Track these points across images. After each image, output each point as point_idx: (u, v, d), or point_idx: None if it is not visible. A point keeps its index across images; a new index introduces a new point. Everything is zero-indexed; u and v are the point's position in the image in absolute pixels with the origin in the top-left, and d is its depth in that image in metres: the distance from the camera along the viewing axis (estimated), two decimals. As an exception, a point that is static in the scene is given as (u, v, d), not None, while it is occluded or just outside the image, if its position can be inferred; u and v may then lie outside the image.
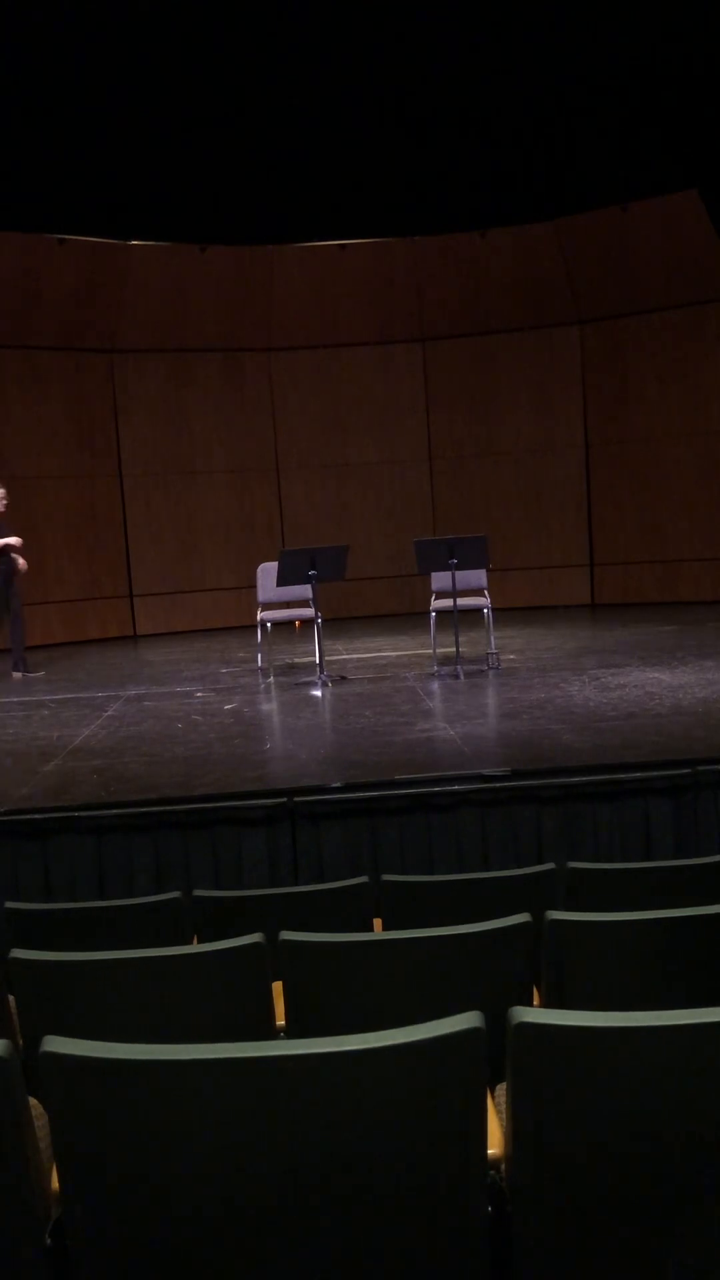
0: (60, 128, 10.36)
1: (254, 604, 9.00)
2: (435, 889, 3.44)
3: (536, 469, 12.80)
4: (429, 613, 8.53)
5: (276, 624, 9.01)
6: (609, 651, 8.82)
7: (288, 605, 9.08)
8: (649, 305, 12.15)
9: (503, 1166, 1.93)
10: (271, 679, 8.47)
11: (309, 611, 8.43)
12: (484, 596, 8.48)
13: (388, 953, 2.54)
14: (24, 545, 9.00)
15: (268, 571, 8.58)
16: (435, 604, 8.43)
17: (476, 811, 4.95)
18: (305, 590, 8.25)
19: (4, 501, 9.31)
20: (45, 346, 11.80)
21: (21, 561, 9.17)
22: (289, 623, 9.80)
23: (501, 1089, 2.09)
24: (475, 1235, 1.76)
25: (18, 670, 9.28)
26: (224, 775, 5.41)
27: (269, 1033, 2.57)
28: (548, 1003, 2.69)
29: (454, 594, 8.11)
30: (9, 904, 3.34)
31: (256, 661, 9.08)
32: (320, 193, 11.38)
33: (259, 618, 8.85)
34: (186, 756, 5.87)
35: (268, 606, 8.86)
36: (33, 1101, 2.01)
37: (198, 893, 3.50)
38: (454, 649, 8.18)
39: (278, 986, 2.64)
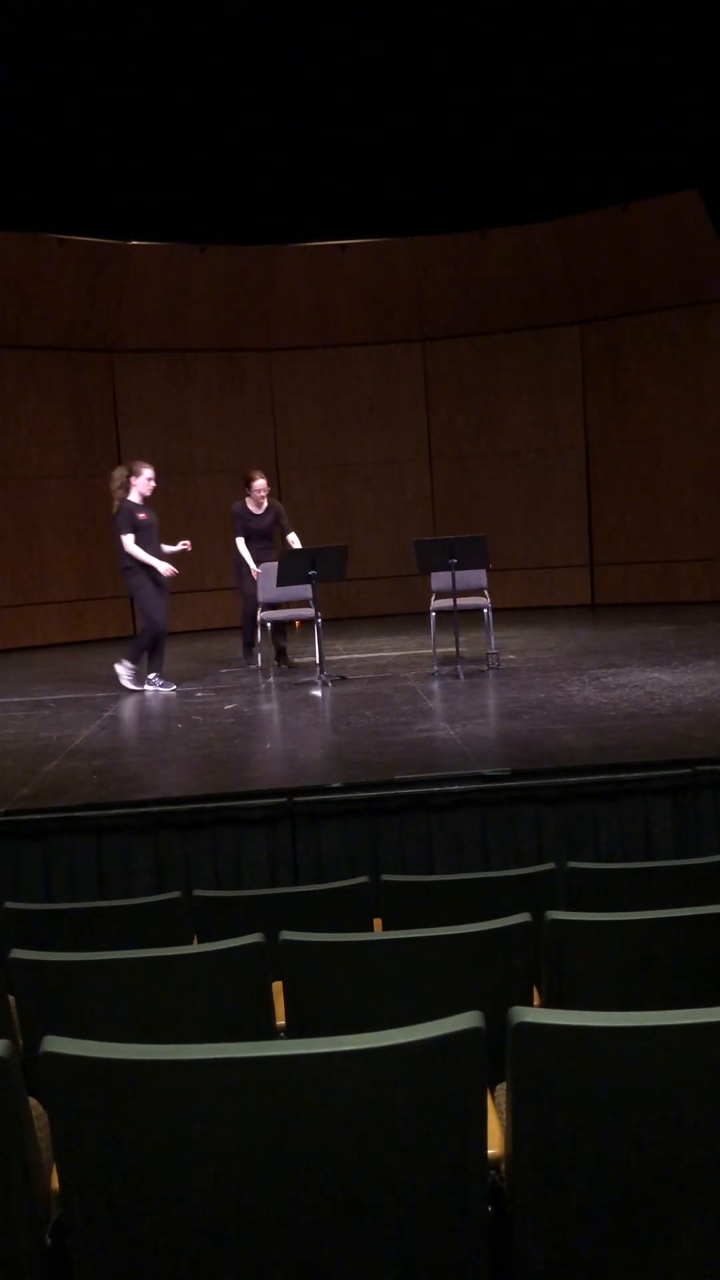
0: (60, 127, 10.36)
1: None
2: (435, 889, 3.44)
3: (536, 469, 12.79)
4: (429, 613, 8.53)
5: (276, 624, 9.01)
6: (609, 651, 8.81)
7: (288, 605, 9.08)
8: (649, 305, 12.15)
9: (503, 1166, 1.93)
10: (271, 679, 8.47)
11: (309, 611, 8.43)
12: (484, 596, 8.48)
13: (388, 953, 2.54)
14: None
15: (268, 571, 8.58)
16: (435, 604, 8.42)
17: (476, 811, 4.95)
18: (305, 590, 8.24)
19: (263, 493, 8.98)
20: (45, 346, 11.80)
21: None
22: (289, 622, 9.80)
23: (501, 1089, 2.09)
24: (475, 1235, 1.76)
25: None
26: (224, 775, 5.41)
27: (269, 1033, 2.56)
28: (548, 1003, 2.68)
29: (454, 594, 8.10)
30: (9, 904, 3.34)
31: (256, 661, 9.08)
32: (320, 193, 11.39)
33: (259, 617, 8.85)
34: (186, 756, 5.87)
35: (268, 606, 8.85)
36: (33, 1101, 2.01)
37: (198, 893, 3.51)
38: (454, 649, 8.18)
39: (278, 986, 2.64)
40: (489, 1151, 1.84)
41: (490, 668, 8.21)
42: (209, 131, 10.80)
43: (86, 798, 5.02)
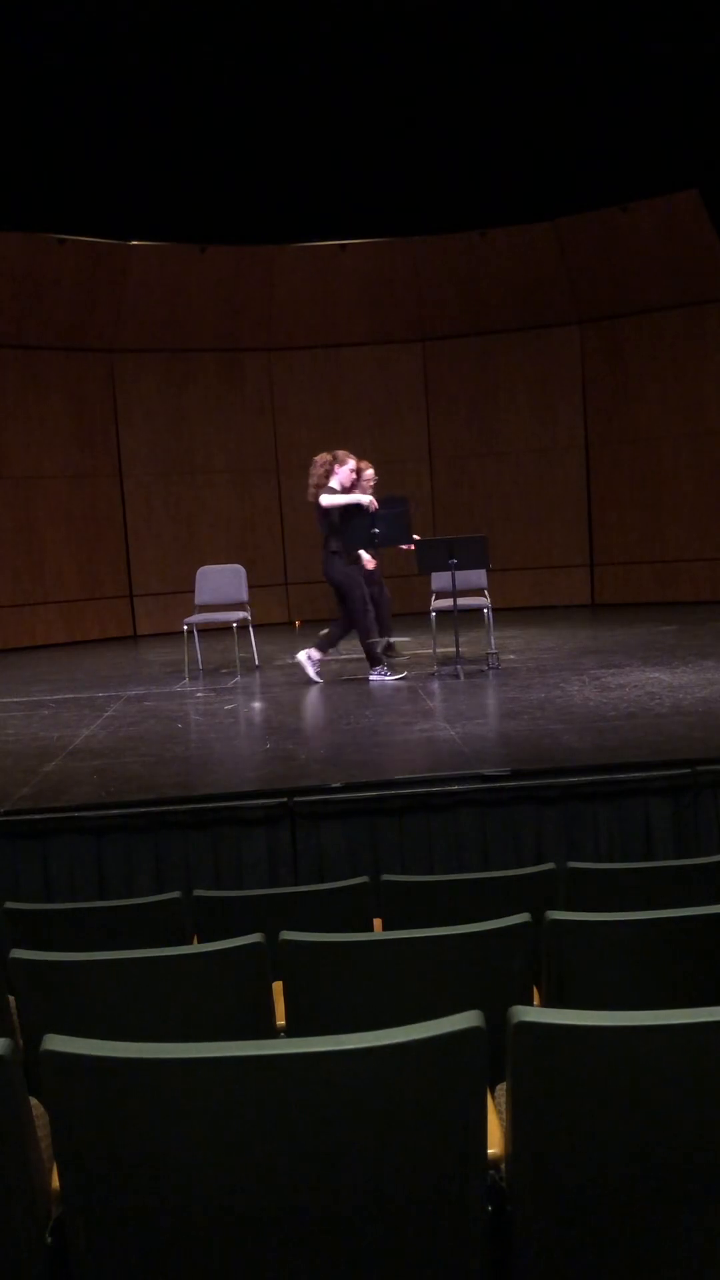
0: (60, 127, 10.36)
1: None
2: (435, 889, 3.44)
3: (536, 469, 12.79)
4: (429, 613, 8.52)
5: (277, 624, 9.01)
6: (609, 651, 8.81)
7: (222, 608, 9.11)
8: (649, 305, 12.14)
9: (503, 1166, 1.93)
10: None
11: (244, 614, 8.50)
12: (484, 596, 8.48)
13: (388, 953, 2.54)
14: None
15: (216, 573, 8.69)
16: (435, 604, 8.42)
17: (476, 811, 4.95)
18: (240, 593, 8.32)
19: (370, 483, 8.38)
20: (45, 346, 11.79)
21: None
22: (289, 622, 9.82)
23: (501, 1089, 2.09)
24: (475, 1235, 1.76)
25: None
26: (224, 775, 5.41)
27: (269, 1033, 2.57)
28: (548, 1002, 2.68)
29: (454, 594, 8.10)
30: (9, 904, 3.34)
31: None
32: (320, 193, 11.38)
33: (185, 623, 8.84)
34: (186, 756, 5.87)
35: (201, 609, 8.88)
36: (33, 1101, 2.01)
37: (198, 893, 3.51)
38: (454, 649, 8.18)
39: (278, 986, 2.64)
40: (489, 1151, 1.84)
41: (490, 668, 8.21)
42: (209, 131, 10.80)
43: (86, 798, 5.02)
